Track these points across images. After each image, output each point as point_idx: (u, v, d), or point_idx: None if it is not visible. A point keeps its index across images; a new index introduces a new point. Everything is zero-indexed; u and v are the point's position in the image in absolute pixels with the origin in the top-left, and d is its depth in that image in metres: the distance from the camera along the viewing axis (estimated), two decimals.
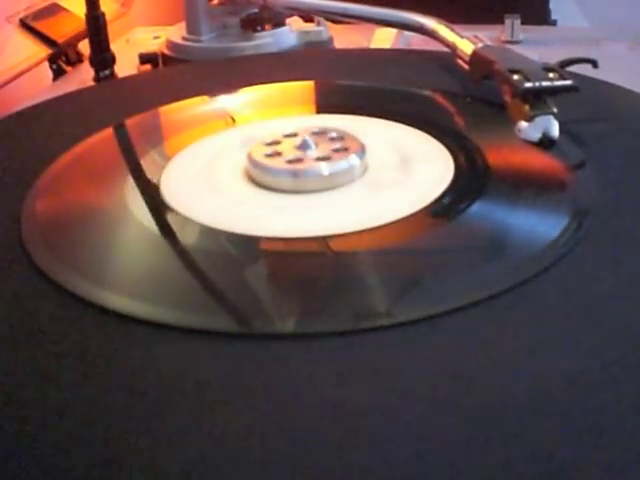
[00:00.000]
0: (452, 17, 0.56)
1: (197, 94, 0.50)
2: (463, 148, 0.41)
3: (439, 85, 0.49)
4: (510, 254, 0.34)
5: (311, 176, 0.38)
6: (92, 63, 0.67)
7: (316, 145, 0.39)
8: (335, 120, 0.44)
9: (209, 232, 0.35)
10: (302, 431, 0.25)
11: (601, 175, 0.37)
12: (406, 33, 0.70)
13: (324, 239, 0.34)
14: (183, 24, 0.69)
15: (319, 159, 0.39)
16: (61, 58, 0.75)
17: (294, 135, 0.41)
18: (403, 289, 0.32)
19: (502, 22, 0.74)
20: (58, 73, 0.74)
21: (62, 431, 0.25)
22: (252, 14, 0.68)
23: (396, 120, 0.44)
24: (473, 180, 0.38)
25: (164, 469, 0.24)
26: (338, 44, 0.70)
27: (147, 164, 0.42)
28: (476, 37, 0.50)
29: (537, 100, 0.40)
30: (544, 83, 0.41)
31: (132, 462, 0.24)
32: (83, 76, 0.71)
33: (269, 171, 0.38)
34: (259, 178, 0.39)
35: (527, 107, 0.40)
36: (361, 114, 0.46)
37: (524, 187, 0.38)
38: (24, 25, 0.74)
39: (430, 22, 0.56)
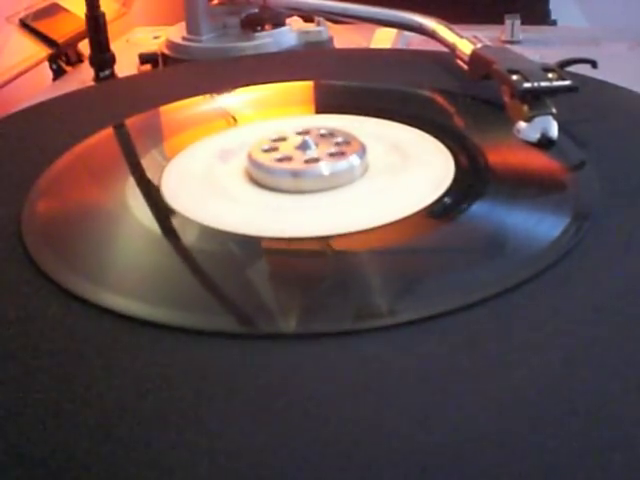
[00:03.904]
0: (452, 17, 0.56)
1: (197, 94, 0.50)
2: (463, 148, 0.41)
3: (439, 85, 0.49)
4: (511, 254, 0.34)
5: (311, 176, 0.38)
6: (92, 63, 0.67)
7: (316, 145, 0.39)
8: (335, 120, 0.45)
9: (210, 232, 0.35)
10: (302, 431, 0.25)
11: (601, 175, 0.37)
12: (406, 33, 0.71)
13: (325, 239, 0.34)
14: (183, 24, 0.69)
15: (319, 159, 0.39)
16: (61, 58, 0.75)
17: (294, 135, 0.41)
18: (404, 289, 0.32)
19: (502, 22, 0.74)
20: (58, 73, 0.74)
21: (60, 431, 0.25)
22: (252, 14, 0.68)
23: (396, 120, 0.45)
24: (473, 180, 0.38)
25: (162, 469, 0.24)
26: (338, 44, 0.70)
27: (148, 164, 0.42)
28: (475, 37, 0.50)
29: (536, 100, 0.40)
30: (543, 83, 0.41)
31: (130, 462, 0.24)
32: (83, 76, 0.71)
33: (269, 171, 0.38)
34: (259, 178, 0.39)
35: (526, 107, 0.40)
36: (361, 114, 0.46)
37: (525, 187, 0.38)
38: (24, 25, 0.74)
39: (429, 22, 0.56)
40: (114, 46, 0.69)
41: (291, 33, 0.68)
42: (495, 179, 0.38)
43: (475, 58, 0.48)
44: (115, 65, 0.68)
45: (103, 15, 0.67)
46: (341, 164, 0.38)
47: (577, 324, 0.29)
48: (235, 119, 0.48)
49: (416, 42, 0.70)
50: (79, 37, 0.74)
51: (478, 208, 0.36)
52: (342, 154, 0.39)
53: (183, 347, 0.28)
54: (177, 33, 0.69)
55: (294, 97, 0.51)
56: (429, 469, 0.23)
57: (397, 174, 0.39)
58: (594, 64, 0.46)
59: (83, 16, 0.67)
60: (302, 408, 0.26)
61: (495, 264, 0.33)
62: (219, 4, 0.68)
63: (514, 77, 0.42)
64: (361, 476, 0.23)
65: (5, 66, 0.69)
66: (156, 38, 0.78)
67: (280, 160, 0.39)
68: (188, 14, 0.68)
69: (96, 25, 0.66)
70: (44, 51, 0.73)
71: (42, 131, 0.47)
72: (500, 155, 0.41)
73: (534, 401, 0.25)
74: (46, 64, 0.74)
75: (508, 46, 0.64)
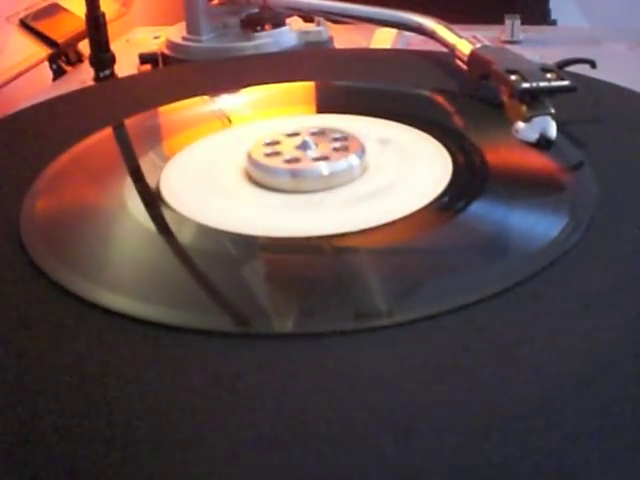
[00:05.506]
0: (452, 17, 0.56)
1: (197, 94, 0.50)
2: (462, 148, 0.41)
3: (438, 85, 0.50)
4: (509, 253, 0.34)
5: (311, 176, 0.38)
6: (92, 63, 0.67)
7: (316, 145, 0.40)
8: (335, 120, 0.45)
9: (208, 232, 0.35)
10: (301, 432, 0.25)
11: (599, 175, 0.37)
12: (406, 33, 0.71)
13: (323, 239, 0.34)
14: (183, 24, 0.69)
15: (319, 159, 0.39)
16: (61, 58, 0.75)
17: (294, 135, 0.41)
18: (402, 289, 0.32)
19: (502, 22, 0.74)
20: (58, 73, 0.74)
21: (61, 431, 0.25)
22: (252, 14, 0.68)
23: (395, 120, 0.45)
24: (472, 180, 0.38)
25: (161, 470, 0.24)
26: (338, 44, 0.70)
27: (146, 164, 0.42)
28: (475, 37, 0.50)
29: (535, 100, 0.41)
30: (542, 83, 0.41)
31: (128, 462, 0.24)
32: (83, 76, 0.71)
33: (268, 171, 0.38)
34: (259, 178, 0.39)
35: (524, 108, 0.40)
36: (360, 114, 0.46)
37: (523, 187, 0.38)
38: (24, 25, 0.74)
39: (429, 22, 0.56)
40: (114, 46, 0.69)
41: (291, 33, 0.68)
42: (494, 179, 0.38)
43: (474, 58, 0.48)
44: (115, 65, 0.68)
45: (103, 15, 0.67)
46: (340, 164, 0.38)
47: (576, 323, 0.29)
48: (235, 119, 0.48)
49: (416, 42, 0.70)
50: (79, 37, 0.74)
51: (476, 208, 0.36)
52: (341, 154, 0.39)
53: (182, 347, 0.28)
54: (177, 33, 0.69)
55: (294, 97, 0.51)
56: (430, 470, 0.23)
57: (396, 174, 0.39)
58: (593, 64, 0.46)
59: (83, 16, 0.67)
60: (302, 408, 0.26)
61: (493, 264, 0.33)
62: (219, 4, 0.68)
63: (513, 77, 0.42)
64: (362, 477, 0.23)
65: (5, 66, 0.69)
66: (156, 38, 0.78)
67: (279, 160, 0.39)
68: (188, 14, 0.68)
69: (96, 25, 0.66)
70: (44, 51, 0.73)
71: (42, 131, 0.47)
72: (499, 155, 0.41)
73: (535, 399, 0.25)
74: (46, 64, 0.74)
75: (508, 46, 0.64)
